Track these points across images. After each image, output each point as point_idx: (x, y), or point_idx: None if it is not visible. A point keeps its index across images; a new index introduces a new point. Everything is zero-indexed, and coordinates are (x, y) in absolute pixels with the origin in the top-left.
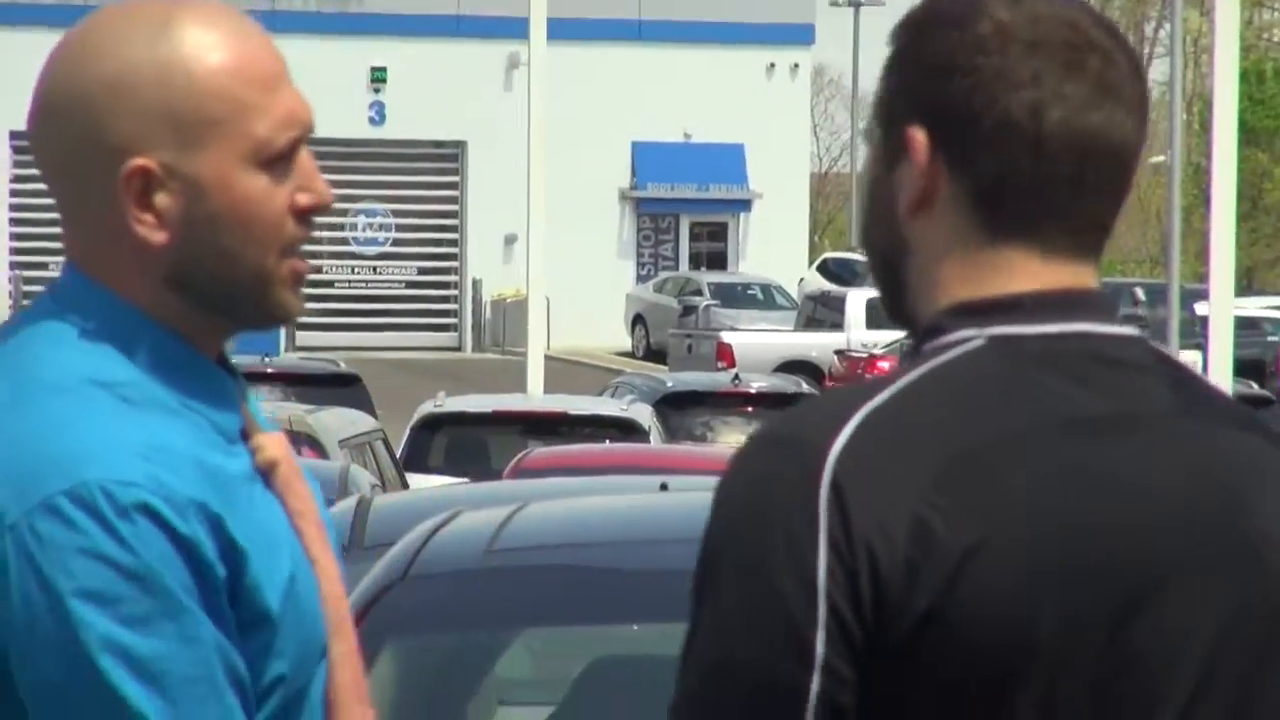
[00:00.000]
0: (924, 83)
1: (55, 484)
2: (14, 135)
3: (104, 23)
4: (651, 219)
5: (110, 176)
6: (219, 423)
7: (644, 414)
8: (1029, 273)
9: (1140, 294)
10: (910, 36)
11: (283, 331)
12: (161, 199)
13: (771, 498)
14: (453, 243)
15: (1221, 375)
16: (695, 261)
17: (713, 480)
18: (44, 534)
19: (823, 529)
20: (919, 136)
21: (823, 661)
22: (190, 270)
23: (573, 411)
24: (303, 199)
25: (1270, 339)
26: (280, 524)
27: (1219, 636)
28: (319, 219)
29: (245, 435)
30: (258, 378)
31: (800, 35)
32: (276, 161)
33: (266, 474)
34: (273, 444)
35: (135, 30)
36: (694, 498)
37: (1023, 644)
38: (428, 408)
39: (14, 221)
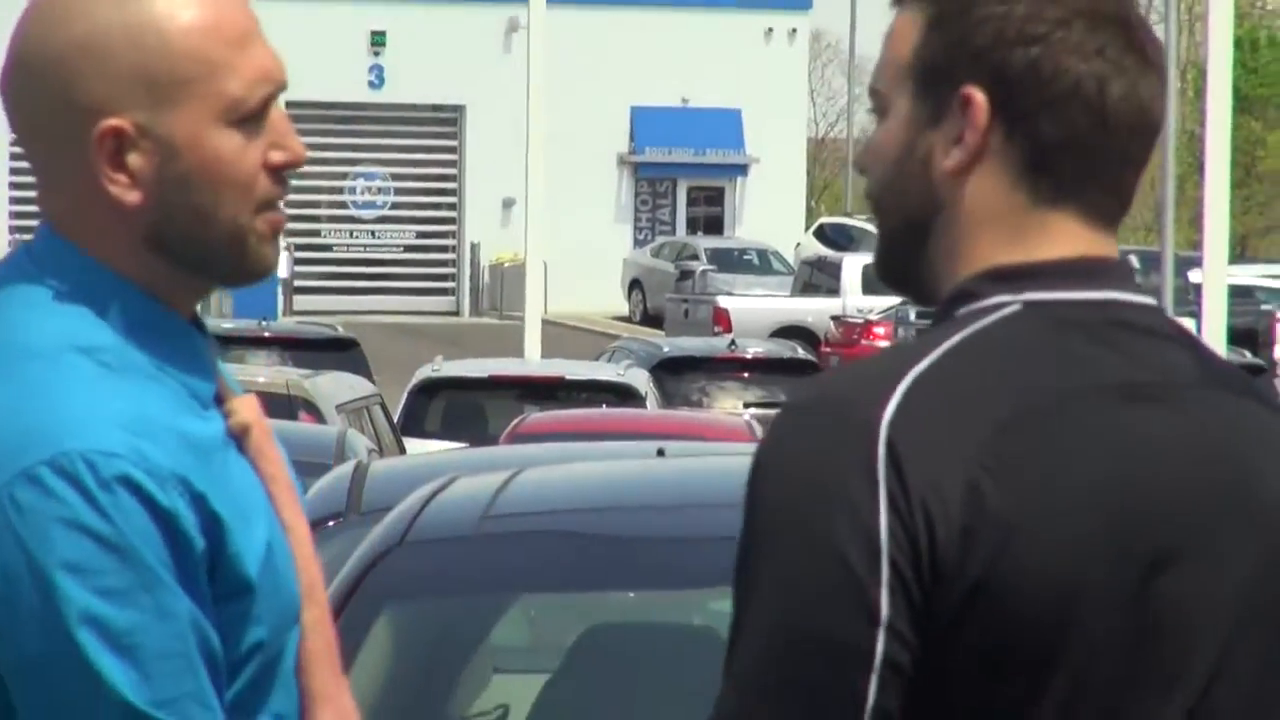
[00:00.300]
0: (984, 46)
1: (36, 453)
2: None
3: None
4: (649, 183)
5: (83, 138)
6: (194, 387)
7: (640, 379)
8: (1071, 237)
9: (1134, 261)
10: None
11: (279, 295)
12: (134, 159)
13: (828, 462)
14: (451, 206)
15: (1215, 343)
16: (692, 226)
17: (709, 446)
18: (24, 503)
19: (882, 491)
20: (979, 97)
21: (888, 620)
22: (165, 230)
23: (570, 376)
24: (276, 156)
25: (1264, 307)
26: (255, 490)
27: (1238, 601)
28: (317, 182)
29: (218, 399)
30: (255, 342)
31: (798, 1)
32: (249, 119)
33: (239, 438)
34: (245, 408)
35: None
36: (691, 464)
37: (1061, 617)
38: (425, 372)
39: (14, 186)
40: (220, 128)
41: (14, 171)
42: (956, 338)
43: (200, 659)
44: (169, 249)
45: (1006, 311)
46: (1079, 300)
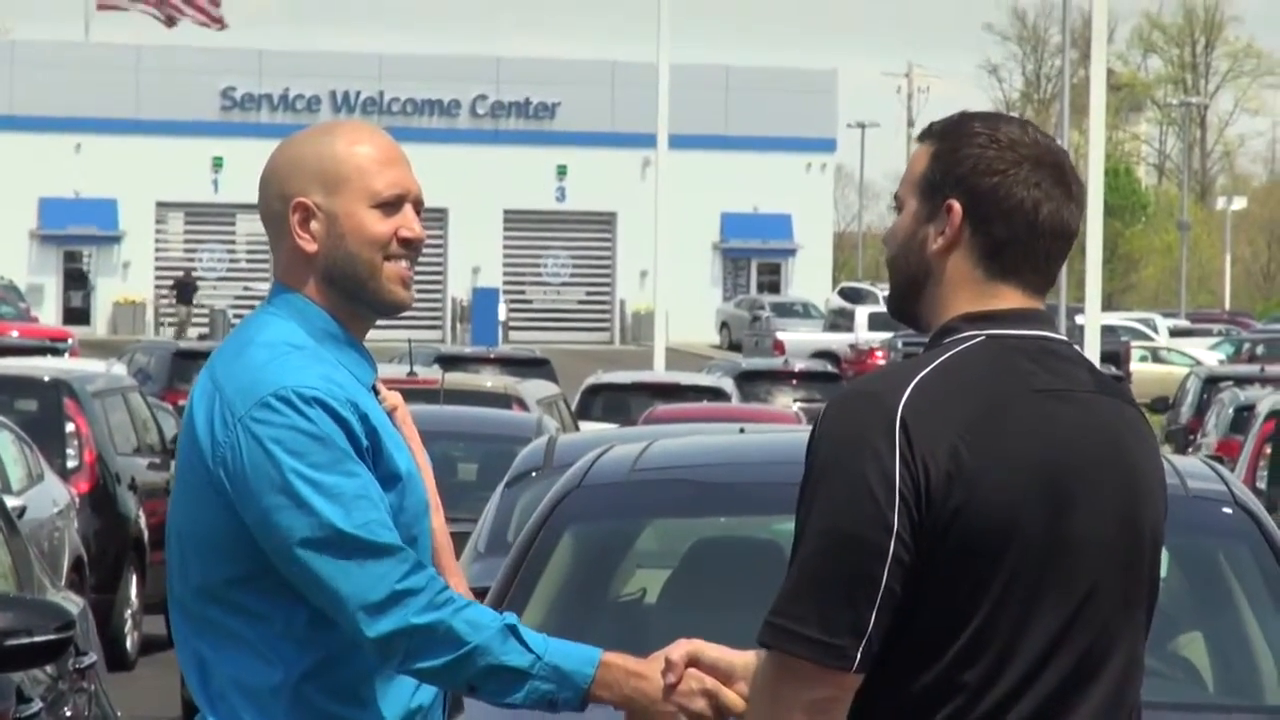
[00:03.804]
0: (964, 174)
1: (266, 390)
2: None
3: (296, 135)
4: (733, 261)
5: (286, 213)
6: (359, 376)
7: (728, 384)
8: (1012, 299)
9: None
10: (950, 141)
11: (500, 332)
12: (314, 225)
13: (864, 430)
14: (607, 275)
15: (1093, 362)
16: (760, 288)
17: (772, 426)
18: (260, 418)
19: (898, 449)
20: (957, 206)
21: (896, 531)
22: (332, 269)
23: (683, 382)
24: (404, 233)
25: (1122, 339)
26: (399, 440)
27: (1107, 541)
28: (523, 260)
29: (376, 391)
30: (484, 360)
31: (827, 145)
32: (385, 206)
33: (390, 414)
34: (394, 397)
35: (308, 135)
36: (760, 437)
37: (1005, 535)
38: (591, 380)
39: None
40: (365, 208)
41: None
42: (945, 356)
43: (380, 501)
44: (336, 282)
45: (975, 341)
46: (1021, 335)
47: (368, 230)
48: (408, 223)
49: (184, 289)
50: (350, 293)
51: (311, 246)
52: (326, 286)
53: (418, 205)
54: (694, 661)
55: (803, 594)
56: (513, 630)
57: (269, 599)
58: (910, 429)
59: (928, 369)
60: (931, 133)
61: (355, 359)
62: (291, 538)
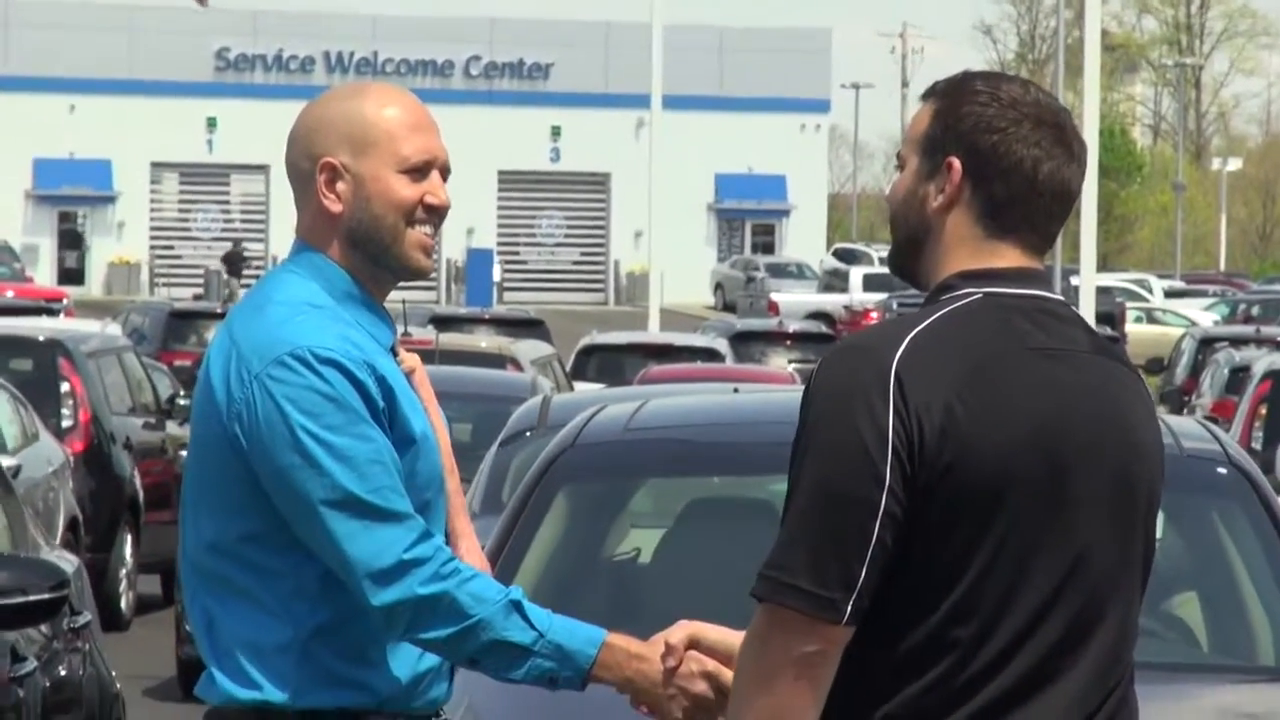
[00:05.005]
0: (964, 131)
1: (282, 348)
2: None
3: (327, 94)
4: (727, 222)
5: (314, 172)
6: (378, 337)
7: (722, 345)
8: (1011, 258)
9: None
10: (952, 99)
11: (494, 292)
12: (340, 185)
13: (858, 383)
14: (602, 236)
15: (1088, 323)
16: (755, 249)
17: (765, 386)
18: (276, 376)
19: (892, 402)
20: (956, 164)
21: (888, 485)
22: (356, 231)
23: (677, 343)
24: (429, 199)
25: (1117, 300)
26: (416, 401)
27: (1104, 497)
28: (518, 221)
29: (394, 353)
30: (479, 321)
31: (821, 106)
32: (412, 171)
33: (408, 375)
34: (412, 358)
35: (339, 94)
36: (754, 397)
37: (1000, 489)
38: (586, 340)
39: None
40: (392, 173)
41: None
42: (940, 313)
43: (393, 465)
44: (359, 244)
45: (972, 299)
46: (1018, 294)
47: (394, 195)
48: (434, 189)
49: (234, 262)
50: (373, 256)
51: (337, 207)
52: (349, 248)
53: (444, 172)
54: (694, 644)
55: (795, 546)
56: (517, 606)
57: (282, 555)
58: (905, 383)
59: (923, 324)
60: (934, 91)
61: (374, 320)
62: (304, 497)
